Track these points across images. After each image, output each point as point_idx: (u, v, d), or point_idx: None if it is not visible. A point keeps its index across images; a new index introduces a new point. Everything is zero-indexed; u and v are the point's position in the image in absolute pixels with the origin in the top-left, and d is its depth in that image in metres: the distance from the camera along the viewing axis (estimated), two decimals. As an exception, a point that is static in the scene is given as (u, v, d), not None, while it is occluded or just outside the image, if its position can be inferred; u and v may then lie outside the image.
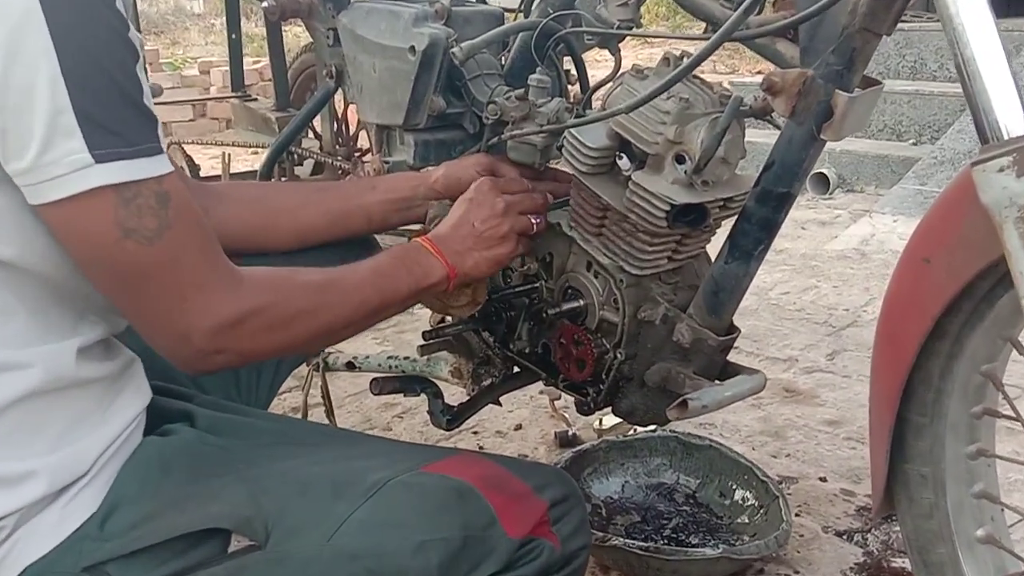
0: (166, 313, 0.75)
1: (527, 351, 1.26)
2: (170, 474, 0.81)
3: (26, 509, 0.74)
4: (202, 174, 3.00)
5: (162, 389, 0.91)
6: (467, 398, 1.42)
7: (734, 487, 1.50)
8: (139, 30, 0.71)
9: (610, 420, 1.80)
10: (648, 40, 6.48)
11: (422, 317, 2.38)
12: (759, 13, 0.99)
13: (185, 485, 0.80)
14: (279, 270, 0.85)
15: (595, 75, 1.40)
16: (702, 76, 1.02)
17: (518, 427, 1.92)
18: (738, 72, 5.78)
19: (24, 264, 0.73)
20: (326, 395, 1.69)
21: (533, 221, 1.09)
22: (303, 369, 1.64)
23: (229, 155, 2.61)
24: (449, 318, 1.37)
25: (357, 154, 2.44)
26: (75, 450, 0.77)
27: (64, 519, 0.76)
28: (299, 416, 1.70)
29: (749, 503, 1.47)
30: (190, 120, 6.18)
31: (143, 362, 0.87)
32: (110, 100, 0.68)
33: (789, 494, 1.58)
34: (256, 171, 2.25)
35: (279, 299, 0.81)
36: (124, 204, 0.70)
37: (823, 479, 1.67)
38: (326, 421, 1.69)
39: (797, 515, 1.54)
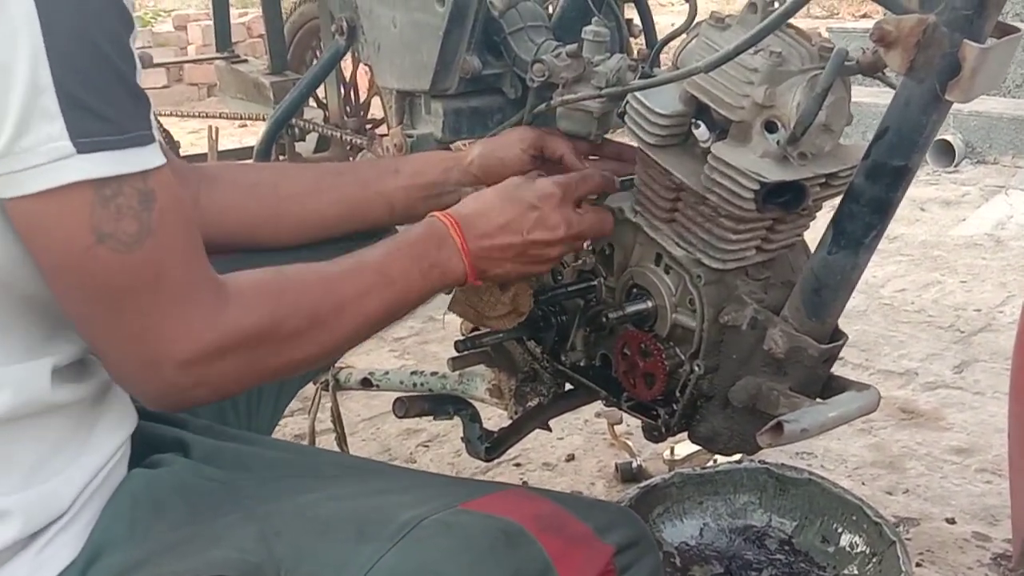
0: (136, 337, 0.76)
1: (582, 364, 1.27)
2: (163, 513, 0.84)
3: (-5, 556, 0.77)
4: (181, 153, 3.06)
5: (148, 413, 0.94)
6: (509, 422, 1.43)
7: (840, 530, 1.49)
8: None
9: (684, 449, 1.81)
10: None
11: (449, 324, 2.40)
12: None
13: (181, 526, 0.83)
14: (269, 279, 0.86)
15: (663, 25, 1.41)
16: (796, 24, 1.03)
17: (570, 458, 1.94)
18: (838, 16, 5.73)
19: None
20: (337, 419, 1.72)
21: (586, 246, 1.12)
22: (309, 388, 1.68)
23: (216, 129, 2.66)
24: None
25: (369, 126, 2.47)
26: (52, 485, 0.80)
27: (38, 568, 0.79)
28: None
29: (859, 550, 1.46)
30: (164, 87, 6.29)
31: None
32: (99, 80, 0.71)
33: (908, 539, 1.58)
34: (248, 148, 2.29)
35: (269, 322, 0.82)
36: (102, 203, 0.72)
37: (951, 520, 1.67)
38: (337, 450, 1.72)
39: (919, 565, 1.53)
